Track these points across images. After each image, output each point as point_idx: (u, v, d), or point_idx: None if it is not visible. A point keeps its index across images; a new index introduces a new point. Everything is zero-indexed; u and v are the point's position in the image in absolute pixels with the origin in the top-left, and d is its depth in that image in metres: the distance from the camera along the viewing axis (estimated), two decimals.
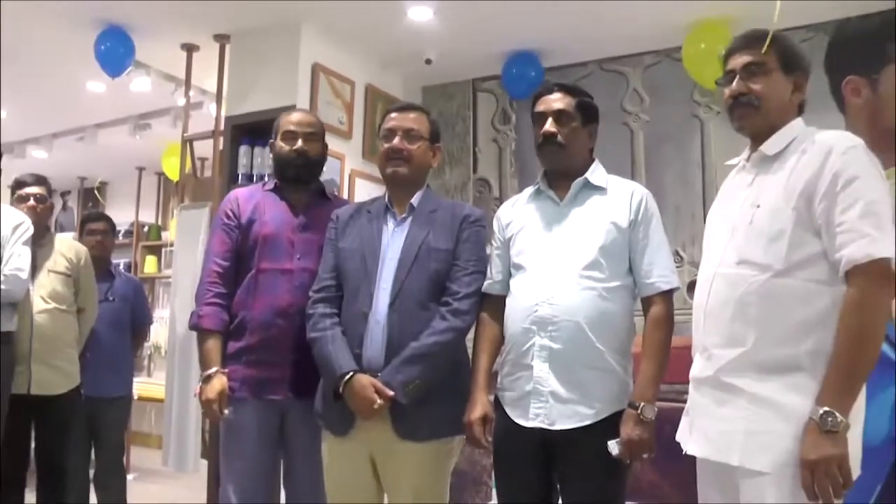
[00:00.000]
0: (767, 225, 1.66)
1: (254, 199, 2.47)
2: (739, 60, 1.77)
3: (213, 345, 2.33)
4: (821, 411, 1.51)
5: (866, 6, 3.48)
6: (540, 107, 2.13)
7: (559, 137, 2.08)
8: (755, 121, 1.76)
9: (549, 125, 2.09)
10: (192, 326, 2.38)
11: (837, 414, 1.50)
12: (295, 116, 2.49)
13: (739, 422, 1.63)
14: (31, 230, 3.03)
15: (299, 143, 2.42)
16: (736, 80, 1.77)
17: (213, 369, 2.30)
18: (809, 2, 3.07)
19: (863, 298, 1.54)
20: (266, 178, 2.71)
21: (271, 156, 2.53)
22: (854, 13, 3.52)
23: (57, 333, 3.16)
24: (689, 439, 1.77)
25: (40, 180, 3.31)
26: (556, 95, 2.12)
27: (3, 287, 2.81)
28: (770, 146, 1.74)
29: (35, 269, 3.14)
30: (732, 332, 1.67)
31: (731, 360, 1.66)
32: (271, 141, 2.51)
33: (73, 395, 3.26)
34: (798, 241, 1.62)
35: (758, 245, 1.66)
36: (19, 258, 2.90)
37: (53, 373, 3.14)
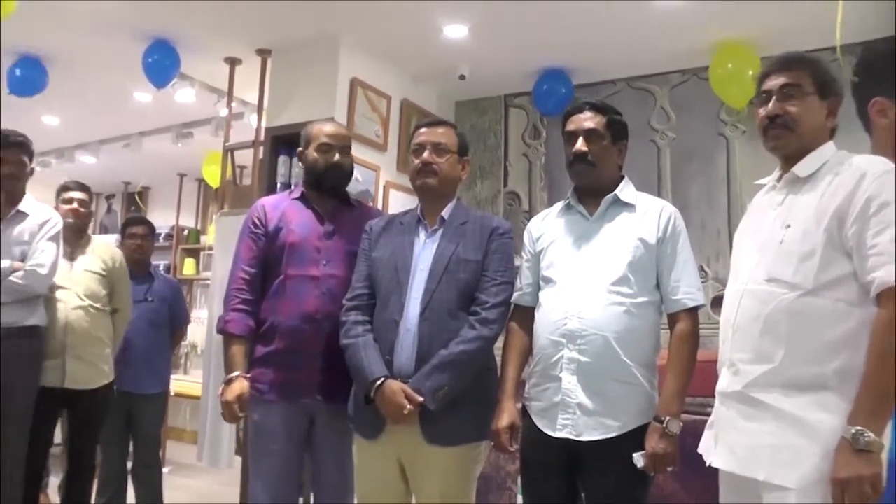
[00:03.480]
0: (798, 245, 1.66)
1: (280, 207, 2.49)
2: (776, 82, 1.77)
3: (237, 350, 2.36)
4: (853, 430, 1.50)
5: (892, 28, 3.50)
6: (571, 125, 2.16)
7: (589, 156, 2.11)
8: (789, 142, 1.76)
9: (580, 144, 2.11)
10: (219, 331, 2.42)
11: (869, 433, 1.49)
12: (329, 129, 2.51)
13: (766, 437, 1.63)
14: (59, 226, 3.10)
15: (336, 156, 2.46)
16: (772, 101, 1.77)
17: (235, 373, 2.32)
18: (835, 24, 3.10)
19: (894, 320, 1.54)
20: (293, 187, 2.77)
21: (301, 164, 2.55)
22: (880, 35, 3.55)
23: (90, 330, 3.23)
24: (714, 452, 1.77)
25: (83, 187, 3.44)
26: (587, 114, 2.15)
27: (21, 282, 2.88)
28: (802, 168, 1.75)
29: (72, 267, 3.27)
30: (761, 349, 1.67)
31: (759, 376, 1.66)
32: (300, 150, 2.53)
33: (106, 392, 3.33)
34: (828, 262, 1.62)
35: (788, 264, 1.66)
36: (42, 254, 2.97)
37: (86, 368, 3.22)
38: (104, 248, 3.46)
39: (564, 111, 2.23)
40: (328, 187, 2.49)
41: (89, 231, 3.52)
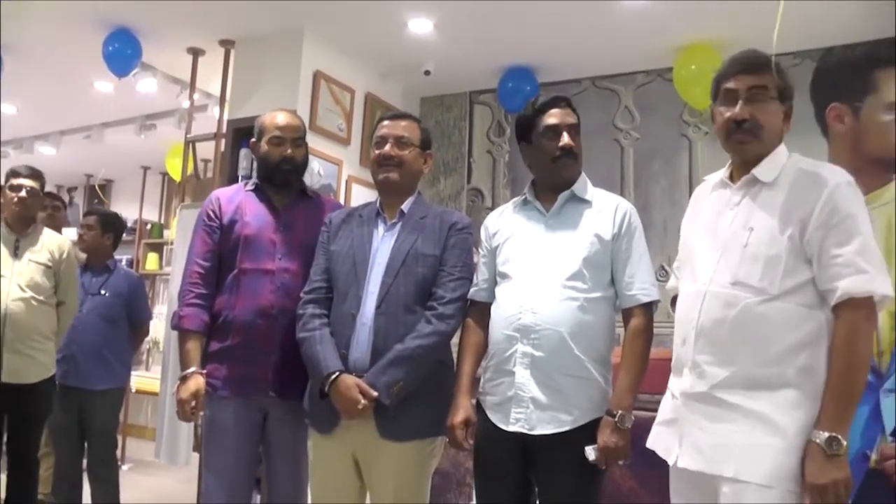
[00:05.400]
0: (764, 249, 1.68)
1: (236, 200, 2.45)
2: (743, 83, 1.75)
3: (193, 345, 2.32)
4: (826, 436, 1.55)
5: (851, 36, 3.55)
6: (552, 119, 2.13)
7: (574, 150, 2.13)
8: (754, 147, 1.76)
9: (569, 139, 2.12)
10: (174, 326, 2.38)
11: (842, 439, 1.54)
12: (281, 120, 2.45)
13: (733, 435, 1.66)
14: None
15: (288, 149, 2.42)
16: (740, 104, 1.75)
17: (191, 370, 2.29)
18: (797, 29, 3.15)
19: (857, 330, 1.60)
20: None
21: (254, 156, 2.48)
22: (839, 42, 3.60)
23: (31, 323, 3.13)
24: (679, 453, 1.77)
25: (35, 173, 3.28)
26: (567, 110, 2.16)
27: None
28: (765, 173, 1.75)
29: (17, 257, 3.16)
30: (727, 351, 1.69)
31: (725, 378, 1.69)
32: (253, 141, 2.48)
33: (47, 386, 3.22)
34: (791, 269, 1.65)
35: (754, 268, 1.69)
36: None
37: (25, 362, 3.10)
38: (53, 240, 3.33)
39: (538, 105, 2.19)
40: (280, 181, 2.45)
41: (37, 220, 3.38)
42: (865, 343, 1.62)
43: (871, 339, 1.64)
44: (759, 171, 1.77)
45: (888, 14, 3.31)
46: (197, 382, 2.28)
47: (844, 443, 1.55)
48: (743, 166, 1.81)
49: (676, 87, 3.86)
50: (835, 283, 1.61)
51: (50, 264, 3.24)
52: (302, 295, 2.28)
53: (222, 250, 2.40)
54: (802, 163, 1.77)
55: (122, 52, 4.04)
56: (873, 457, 3.25)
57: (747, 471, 1.62)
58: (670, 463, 1.80)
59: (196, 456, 3.94)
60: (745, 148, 1.78)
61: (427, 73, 4.18)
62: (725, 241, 1.76)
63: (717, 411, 1.70)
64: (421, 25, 3.75)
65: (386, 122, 2.30)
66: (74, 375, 3.62)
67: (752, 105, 1.75)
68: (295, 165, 2.45)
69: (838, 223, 1.62)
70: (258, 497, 2.94)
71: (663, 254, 3.87)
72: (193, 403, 2.27)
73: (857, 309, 1.60)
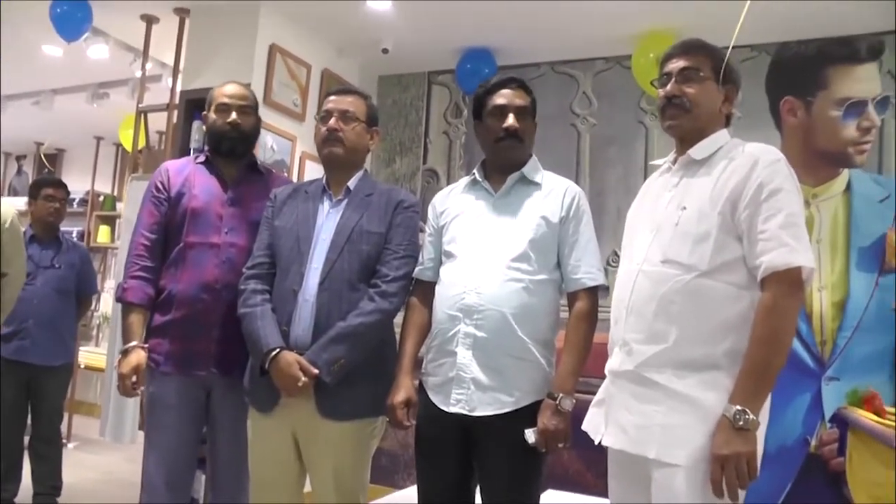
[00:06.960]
0: (694, 227, 1.70)
1: (184, 172, 2.42)
2: (676, 65, 1.83)
3: (136, 319, 2.29)
4: (734, 409, 1.56)
5: (805, 32, 3.59)
6: (500, 100, 2.12)
7: (519, 132, 2.11)
8: (684, 122, 1.81)
9: (514, 120, 2.10)
10: (117, 299, 2.35)
11: (749, 412, 1.56)
12: (228, 89, 2.43)
13: (657, 416, 1.67)
14: None
15: (233, 115, 2.38)
16: (671, 82, 1.82)
17: (132, 343, 2.26)
18: (753, 23, 3.16)
19: (777, 303, 1.60)
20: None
21: (204, 128, 2.46)
22: (794, 38, 3.64)
23: None
24: (605, 431, 1.80)
25: None
26: (518, 91, 2.14)
27: None
28: (698, 151, 1.80)
29: None
30: (654, 329, 1.71)
31: (652, 356, 1.70)
32: (204, 113, 2.45)
33: None
34: (721, 245, 1.67)
35: (683, 245, 1.71)
36: None
37: None
38: None
39: (488, 84, 2.18)
40: (226, 149, 2.41)
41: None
42: (785, 318, 1.62)
43: (794, 315, 1.65)
44: (694, 150, 1.81)
45: (842, 13, 3.37)
46: (138, 356, 2.25)
47: (752, 417, 1.56)
48: (683, 148, 1.85)
49: (635, 75, 3.86)
50: (760, 258, 1.63)
51: None
52: (244, 270, 2.25)
53: (169, 223, 2.37)
54: (736, 143, 1.81)
55: (72, 16, 3.88)
56: (813, 442, 3.35)
57: (669, 452, 1.64)
58: (596, 441, 1.82)
59: (142, 434, 3.88)
60: (676, 123, 1.84)
61: (385, 51, 4.11)
62: (660, 221, 1.79)
63: (643, 391, 1.71)
64: (379, 2, 3.69)
65: (332, 97, 2.27)
66: (30, 351, 3.54)
67: (684, 84, 1.81)
68: (241, 133, 2.41)
69: (766, 198, 1.65)
70: (203, 476, 2.90)
71: (616, 240, 3.87)
72: (134, 378, 2.24)
73: (780, 283, 1.61)
